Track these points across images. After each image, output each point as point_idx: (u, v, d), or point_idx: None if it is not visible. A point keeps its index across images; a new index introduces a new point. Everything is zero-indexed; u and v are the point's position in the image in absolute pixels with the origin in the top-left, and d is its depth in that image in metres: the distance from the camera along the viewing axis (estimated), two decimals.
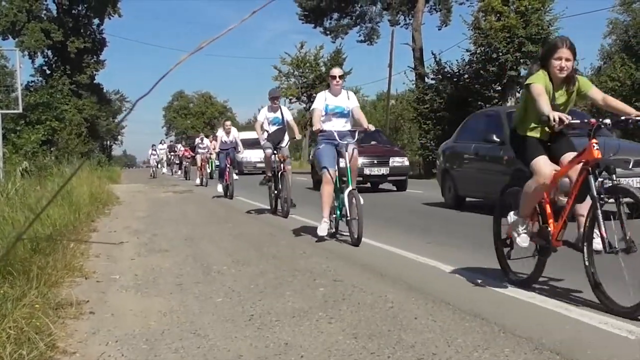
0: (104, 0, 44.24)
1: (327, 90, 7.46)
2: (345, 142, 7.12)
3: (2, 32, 42.28)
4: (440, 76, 25.43)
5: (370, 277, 4.95)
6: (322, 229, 7.01)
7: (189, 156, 27.71)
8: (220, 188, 14.88)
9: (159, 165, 34.65)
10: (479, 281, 4.67)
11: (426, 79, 27.55)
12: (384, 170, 15.39)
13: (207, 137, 23.32)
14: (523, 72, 23.07)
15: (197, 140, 22.25)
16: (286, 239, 7.30)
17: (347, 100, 7.35)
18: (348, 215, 6.91)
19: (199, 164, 21.34)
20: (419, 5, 32.78)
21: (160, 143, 36.58)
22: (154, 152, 34.23)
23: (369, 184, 15.83)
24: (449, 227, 8.25)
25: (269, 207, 10.68)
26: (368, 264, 5.53)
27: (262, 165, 25.70)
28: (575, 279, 4.27)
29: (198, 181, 21.15)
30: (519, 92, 23.86)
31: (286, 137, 10.45)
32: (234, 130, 14.84)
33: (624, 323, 3.43)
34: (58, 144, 32.65)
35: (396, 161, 15.59)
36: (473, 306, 3.91)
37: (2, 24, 41.43)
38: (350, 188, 6.95)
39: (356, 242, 6.75)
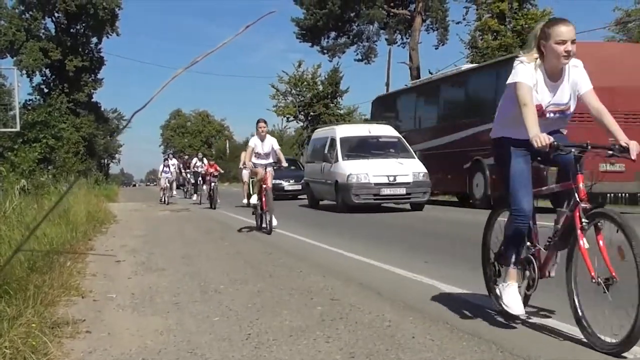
0: (103, 19, 44.56)
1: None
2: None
3: (0, 51, 42.51)
4: None
5: (368, 295, 4.94)
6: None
7: (217, 173, 20.18)
8: None
9: (172, 186, 25.27)
10: (476, 300, 4.66)
11: None
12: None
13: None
14: None
15: (253, 142, 10.91)
16: (283, 258, 7.29)
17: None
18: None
19: (256, 178, 10.85)
20: (415, 24, 33.13)
21: (170, 158, 27.52)
22: (166, 169, 24.35)
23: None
24: (446, 246, 8.24)
25: None
26: (365, 282, 5.52)
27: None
28: None
29: (253, 210, 11.30)
30: None
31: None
32: None
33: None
34: (55, 162, 32.65)
35: None
36: (471, 325, 3.91)
37: (1, 43, 41.69)
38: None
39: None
